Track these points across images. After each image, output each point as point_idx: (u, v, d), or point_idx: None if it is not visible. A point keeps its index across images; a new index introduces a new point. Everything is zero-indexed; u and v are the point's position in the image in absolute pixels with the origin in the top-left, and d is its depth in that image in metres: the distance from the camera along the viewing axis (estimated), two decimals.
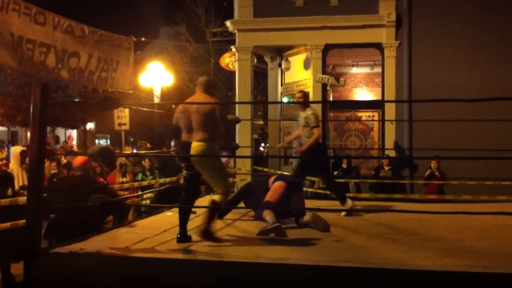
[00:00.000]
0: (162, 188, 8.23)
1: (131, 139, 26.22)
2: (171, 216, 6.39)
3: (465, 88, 10.92)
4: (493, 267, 3.88)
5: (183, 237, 4.89)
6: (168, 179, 8.92)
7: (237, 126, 12.80)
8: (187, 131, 5.01)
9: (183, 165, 5.17)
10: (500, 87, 10.88)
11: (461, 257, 4.29)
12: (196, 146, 4.87)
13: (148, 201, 8.73)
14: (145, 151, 11.12)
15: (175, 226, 5.39)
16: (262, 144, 26.83)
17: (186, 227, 4.94)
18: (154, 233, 5.26)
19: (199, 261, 4.20)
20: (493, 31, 11.88)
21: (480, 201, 8.02)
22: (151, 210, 7.33)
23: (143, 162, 9.89)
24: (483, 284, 3.66)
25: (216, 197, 5.05)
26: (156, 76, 16.47)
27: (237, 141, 12.64)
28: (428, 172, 10.25)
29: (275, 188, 5.74)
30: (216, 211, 5.06)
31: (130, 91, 10.94)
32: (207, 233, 4.83)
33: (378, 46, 12.68)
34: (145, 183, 9.24)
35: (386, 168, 10.86)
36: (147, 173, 9.80)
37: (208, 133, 4.87)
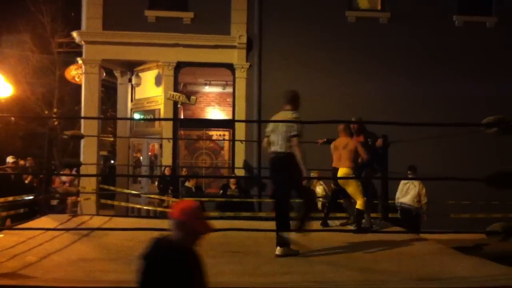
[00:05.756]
0: None
1: None
2: (2, 238, 5.83)
3: (314, 107, 11.53)
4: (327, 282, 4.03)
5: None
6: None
7: (82, 142, 12.10)
8: None
9: None
10: (351, 98, 12.02)
11: (301, 274, 4.41)
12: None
13: None
14: None
15: (5, 249, 5.00)
16: (112, 162, 25.83)
17: None
18: None
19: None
20: (337, 52, 12.72)
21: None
22: None
23: None
24: None
25: None
26: None
27: (81, 158, 11.96)
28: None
29: None
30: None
31: None
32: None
33: (230, 67, 12.90)
34: None
35: (233, 186, 11.01)
36: None
37: None
